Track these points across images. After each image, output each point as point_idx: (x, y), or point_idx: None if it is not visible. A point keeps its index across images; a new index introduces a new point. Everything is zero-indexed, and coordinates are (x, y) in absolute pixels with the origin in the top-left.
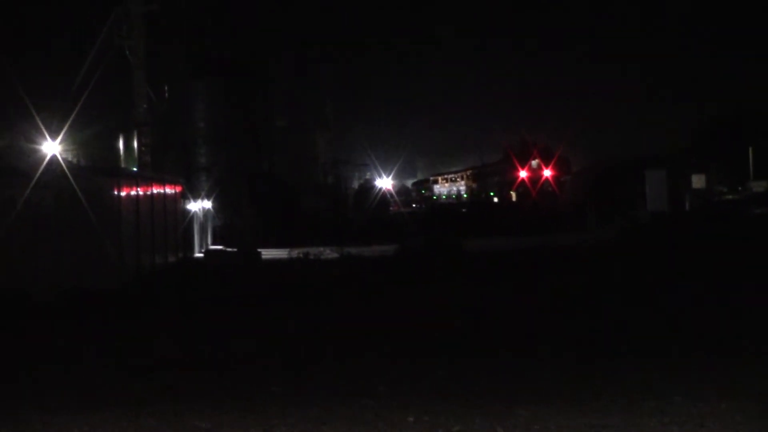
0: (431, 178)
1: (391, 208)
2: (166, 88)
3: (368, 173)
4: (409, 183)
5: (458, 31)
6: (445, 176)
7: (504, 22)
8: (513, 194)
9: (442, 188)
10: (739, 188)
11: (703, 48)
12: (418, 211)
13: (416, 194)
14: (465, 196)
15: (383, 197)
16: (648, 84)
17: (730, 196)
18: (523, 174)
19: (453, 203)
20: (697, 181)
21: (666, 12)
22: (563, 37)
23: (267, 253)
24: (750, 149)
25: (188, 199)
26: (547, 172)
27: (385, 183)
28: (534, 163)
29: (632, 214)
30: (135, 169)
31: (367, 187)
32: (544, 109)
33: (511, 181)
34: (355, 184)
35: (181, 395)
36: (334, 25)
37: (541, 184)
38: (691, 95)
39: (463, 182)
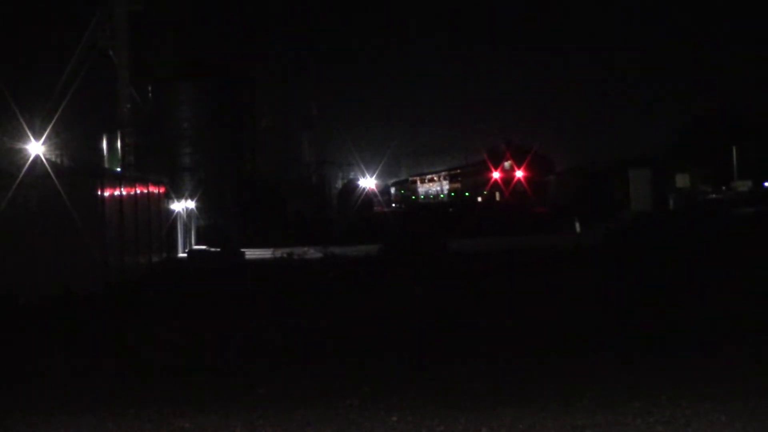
0: (410, 179)
1: (375, 208)
2: (149, 88)
3: (352, 173)
4: (389, 182)
5: (444, 30)
6: (424, 177)
7: (491, 22)
8: (486, 195)
9: (420, 188)
10: (723, 188)
11: (688, 49)
12: (399, 210)
13: (396, 194)
14: (442, 196)
15: (367, 197)
16: (633, 84)
17: (714, 196)
18: (496, 175)
19: (432, 203)
20: (681, 181)
21: (651, 13)
22: (551, 37)
23: (251, 253)
24: (734, 149)
25: (172, 199)
26: (519, 173)
27: (368, 183)
28: (507, 164)
29: (617, 215)
30: (119, 169)
31: (351, 187)
32: (530, 108)
33: (486, 182)
34: (339, 184)
35: (165, 396)
36: (319, 26)
37: (514, 184)
38: (676, 96)
39: (441, 182)
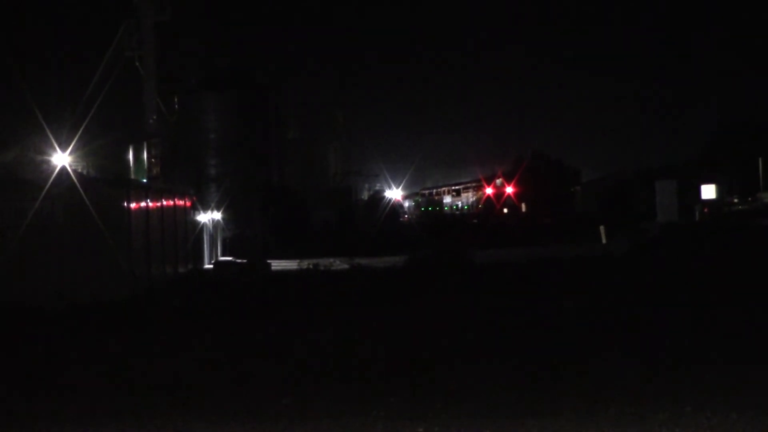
0: (421, 191)
1: (401, 219)
2: (176, 99)
3: (378, 184)
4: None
5: (472, 40)
6: (433, 189)
7: (519, 33)
8: (502, 206)
9: (431, 200)
10: (749, 199)
11: (714, 58)
12: (425, 221)
13: (411, 206)
14: (455, 207)
15: (393, 208)
16: (660, 95)
17: (741, 207)
18: (489, 191)
19: (449, 214)
20: (708, 192)
21: (679, 24)
22: (578, 48)
23: (277, 264)
24: (760, 160)
25: (198, 210)
26: (509, 189)
27: (395, 194)
28: (498, 181)
29: (643, 226)
30: (145, 180)
31: (377, 198)
32: (557, 118)
33: (481, 197)
34: (365, 195)
35: (192, 407)
36: (347, 36)
37: (504, 199)
38: (703, 106)
39: (452, 195)
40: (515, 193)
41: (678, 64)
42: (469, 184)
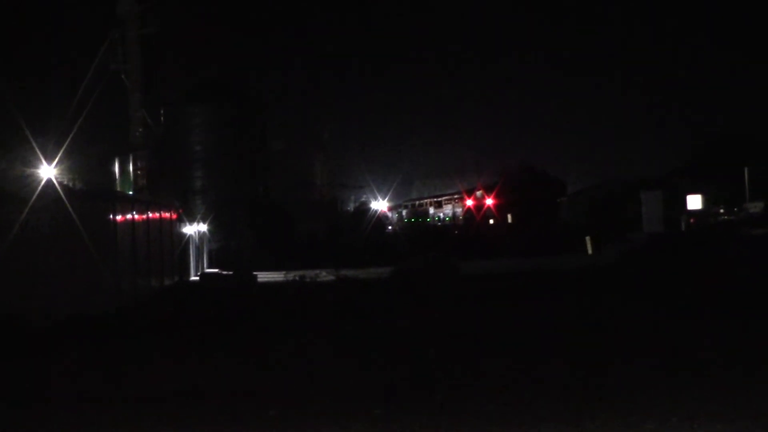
0: (404, 203)
1: (387, 230)
2: (162, 111)
3: (364, 195)
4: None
5: (456, 51)
6: (416, 201)
7: (503, 43)
8: (481, 218)
9: (416, 211)
10: (735, 209)
11: (699, 69)
12: (410, 233)
13: (394, 217)
14: (429, 219)
15: (378, 219)
16: (645, 105)
17: (726, 217)
18: (469, 202)
19: (431, 225)
20: (694, 202)
21: (665, 34)
22: (563, 58)
23: (263, 276)
24: (746, 170)
25: (184, 222)
26: (489, 201)
27: (380, 205)
28: (478, 193)
29: (629, 236)
30: (131, 192)
31: (363, 210)
32: (543, 129)
33: (462, 208)
34: (351, 206)
35: (178, 420)
36: (332, 49)
37: (485, 210)
38: (688, 117)
39: (437, 207)
40: (495, 205)
41: (663, 75)
42: (450, 197)
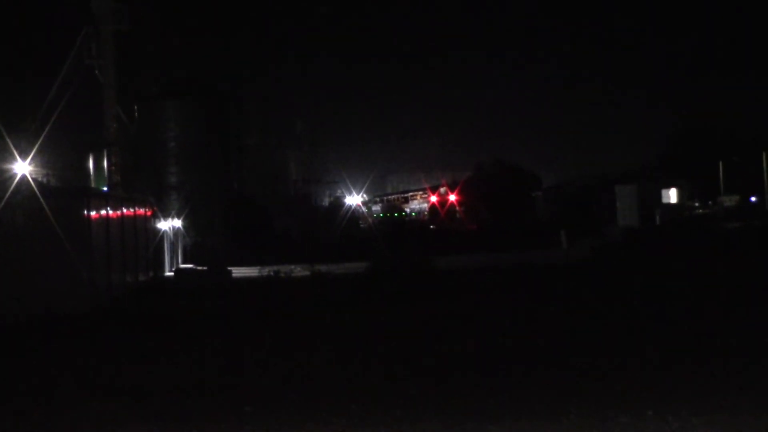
0: (375, 198)
1: (361, 225)
2: (136, 108)
3: (339, 190)
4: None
5: (431, 46)
6: (385, 197)
7: (478, 40)
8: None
9: (388, 206)
10: (710, 203)
11: (676, 63)
12: (384, 229)
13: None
14: (404, 214)
15: (353, 214)
16: (620, 99)
17: (701, 211)
18: (433, 198)
19: (405, 220)
20: (669, 196)
21: (639, 28)
22: (537, 53)
23: (238, 272)
24: (720, 164)
25: (159, 218)
26: (452, 197)
27: (355, 200)
28: (442, 190)
29: (604, 231)
30: (105, 188)
31: (338, 205)
32: (518, 124)
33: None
34: (326, 202)
35: (152, 417)
36: (306, 45)
37: (448, 206)
38: (663, 110)
39: (403, 202)
40: (459, 201)
41: (636, 69)
42: (416, 193)
